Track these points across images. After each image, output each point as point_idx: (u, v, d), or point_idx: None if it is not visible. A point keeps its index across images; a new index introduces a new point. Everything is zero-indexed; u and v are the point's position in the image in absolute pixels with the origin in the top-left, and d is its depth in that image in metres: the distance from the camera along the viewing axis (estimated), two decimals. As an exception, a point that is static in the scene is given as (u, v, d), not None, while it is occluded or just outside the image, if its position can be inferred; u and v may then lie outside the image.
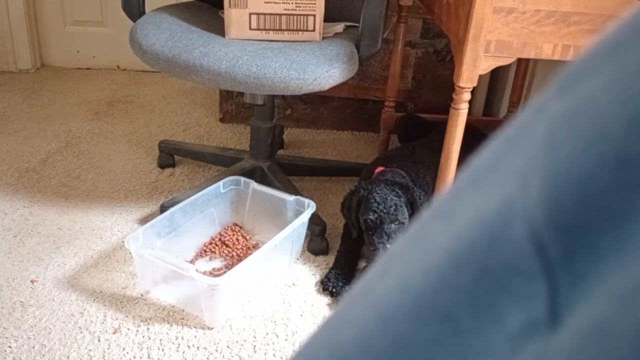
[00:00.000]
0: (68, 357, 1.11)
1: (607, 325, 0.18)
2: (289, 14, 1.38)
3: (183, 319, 1.22)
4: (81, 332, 1.17)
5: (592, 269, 0.19)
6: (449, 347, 0.21)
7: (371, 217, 1.26)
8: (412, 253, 0.23)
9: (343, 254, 1.41)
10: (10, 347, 1.12)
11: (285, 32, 1.40)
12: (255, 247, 1.44)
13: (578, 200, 0.19)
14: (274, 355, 1.15)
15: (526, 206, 0.20)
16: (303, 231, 1.42)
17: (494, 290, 0.20)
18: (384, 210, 1.25)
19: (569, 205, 0.19)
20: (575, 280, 0.19)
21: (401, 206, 1.27)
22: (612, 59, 0.20)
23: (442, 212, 0.24)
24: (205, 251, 1.42)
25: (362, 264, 1.43)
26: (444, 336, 0.21)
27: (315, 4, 1.37)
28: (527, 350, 0.20)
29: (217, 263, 1.39)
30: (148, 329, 1.18)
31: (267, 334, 1.20)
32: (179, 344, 1.15)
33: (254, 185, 1.47)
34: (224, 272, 1.29)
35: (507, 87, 2.04)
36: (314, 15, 1.39)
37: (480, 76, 1.22)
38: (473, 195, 0.22)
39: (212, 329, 1.20)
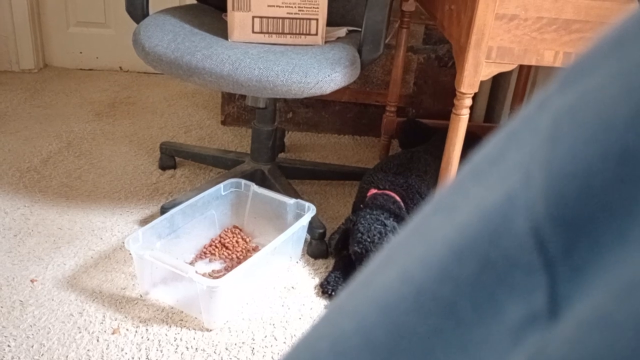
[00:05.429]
0: (67, 356, 1.11)
1: (607, 317, 0.18)
2: (292, 18, 1.39)
3: (182, 320, 1.22)
4: (80, 332, 1.17)
5: (592, 262, 0.19)
6: (449, 338, 0.21)
7: (356, 248, 1.29)
8: (414, 245, 0.24)
9: (342, 257, 1.41)
10: (9, 345, 1.12)
11: (288, 36, 1.41)
12: (255, 249, 1.44)
13: (580, 194, 0.19)
14: (272, 357, 1.15)
15: (528, 200, 0.20)
16: (303, 234, 1.42)
17: (494, 283, 0.21)
18: (368, 240, 1.28)
19: (570, 199, 0.19)
20: (576, 273, 0.19)
21: (386, 234, 1.30)
22: (615, 54, 0.20)
23: (444, 205, 0.24)
24: (204, 253, 1.42)
25: None
26: (444, 328, 0.21)
27: (318, 8, 1.38)
28: (527, 341, 0.20)
29: (217, 265, 1.39)
30: (147, 329, 1.18)
31: (266, 336, 1.20)
32: (178, 345, 1.15)
33: (254, 188, 1.47)
34: (223, 274, 1.29)
35: (508, 93, 2.04)
36: (317, 20, 1.39)
37: (482, 82, 1.23)
38: (475, 188, 0.22)
39: (210, 330, 1.20)
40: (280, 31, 1.40)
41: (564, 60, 1.17)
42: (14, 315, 1.20)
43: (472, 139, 1.50)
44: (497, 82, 2.14)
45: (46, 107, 2.19)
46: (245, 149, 1.93)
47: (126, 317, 1.21)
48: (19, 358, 1.10)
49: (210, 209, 1.45)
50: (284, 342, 1.19)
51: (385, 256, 0.25)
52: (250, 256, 1.25)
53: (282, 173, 1.63)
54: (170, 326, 1.20)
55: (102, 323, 1.19)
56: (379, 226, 1.30)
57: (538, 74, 1.91)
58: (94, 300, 1.26)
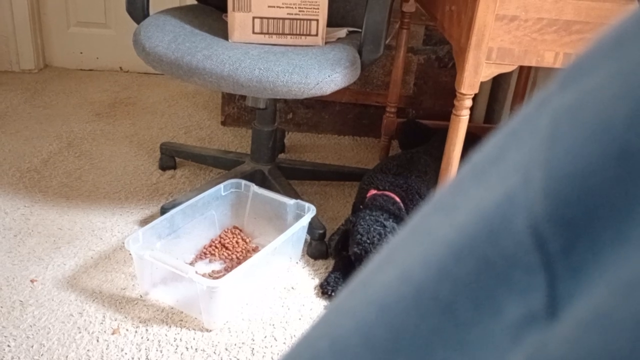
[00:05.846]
0: (66, 357, 1.11)
1: (607, 317, 0.18)
2: (292, 19, 1.39)
3: (182, 320, 1.22)
4: (80, 332, 1.17)
5: (592, 262, 0.19)
6: (449, 337, 0.21)
7: (356, 249, 1.29)
8: (413, 245, 0.24)
9: (342, 257, 1.41)
10: (9, 346, 1.12)
11: (288, 37, 1.41)
12: (255, 250, 1.44)
13: (579, 194, 0.19)
14: (272, 358, 1.15)
15: (527, 199, 0.20)
16: (303, 235, 1.42)
17: (493, 282, 0.21)
18: (368, 241, 1.28)
19: (570, 198, 0.19)
20: (575, 272, 0.19)
21: (385, 235, 1.30)
22: (614, 54, 0.20)
23: (443, 205, 0.24)
24: (204, 253, 1.42)
25: None
26: (443, 327, 0.21)
27: (318, 8, 1.38)
28: (527, 341, 0.20)
29: (217, 265, 1.39)
30: (147, 330, 1.18)
31: (266, 337, 1.20)
32: (177, 346, 1.15)
33: (254, 188, 1.47)
34: (223, 275, 1.29)
35: (508, 94, 2.04)
36: (317, 20, 1.39)
37: (482, 83, 1.23)
38: (475, 188, 0.22)
39: (210, 331, 1.20)
40: (280, 32, 1.40)
41: (564, 61, 1.17)
42: (14, 315, 1.20)
43: (472, 140, 1.51)
44: (497, 83, 2.14)
45: (46, 107, 2.19)
46: (245, 150, 1.93)
47: (126, 317, 1.21)
48: (19, 358, 1.10)
49: (210, 209, 1.45)
50: (284, 343, 1.19)
51: (385, 256, 0.25)
52: (250, 257, 1.25)
53: (282, 174, 1.63)
54: (170, 326, 1.20)
55: (102, 323, 1.19)
56: (379, 227, 1.30)
57: (538, 75, 1.91)
58: (94, 300, 1.26)
